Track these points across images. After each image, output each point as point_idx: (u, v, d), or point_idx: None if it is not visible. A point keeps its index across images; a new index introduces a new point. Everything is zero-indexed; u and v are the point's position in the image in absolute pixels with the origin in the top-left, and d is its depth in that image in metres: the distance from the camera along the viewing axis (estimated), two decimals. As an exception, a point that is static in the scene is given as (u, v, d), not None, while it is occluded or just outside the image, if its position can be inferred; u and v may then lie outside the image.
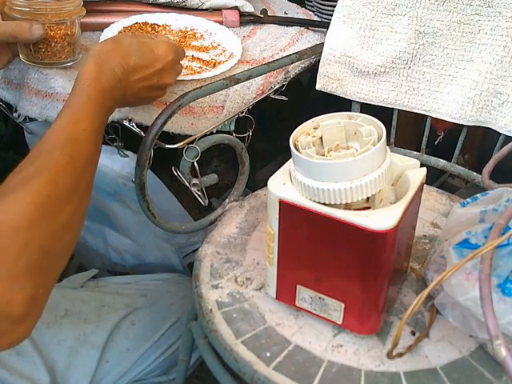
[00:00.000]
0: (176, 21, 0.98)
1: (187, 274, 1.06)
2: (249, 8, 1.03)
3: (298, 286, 0.59)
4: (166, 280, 0.99)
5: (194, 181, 0.73)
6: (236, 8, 1.02)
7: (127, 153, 0.89)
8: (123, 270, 1.12)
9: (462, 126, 0.82)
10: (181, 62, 0.76)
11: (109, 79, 0.62)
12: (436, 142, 0.87)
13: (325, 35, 0.87)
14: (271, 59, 0.85)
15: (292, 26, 1.02)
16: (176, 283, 0.98)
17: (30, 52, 0.76)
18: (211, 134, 0.77)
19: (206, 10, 1.02)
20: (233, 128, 0.82)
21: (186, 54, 0.91)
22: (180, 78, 0.82)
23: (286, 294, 0.61)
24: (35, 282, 0.47)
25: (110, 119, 0.79)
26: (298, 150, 0.54)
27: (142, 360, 0.86)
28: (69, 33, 0.76)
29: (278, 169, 0.58)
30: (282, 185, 0.55)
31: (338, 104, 0.89)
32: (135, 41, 0.68)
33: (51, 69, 0.79)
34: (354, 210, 0.54)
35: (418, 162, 0.59)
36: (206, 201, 0.75)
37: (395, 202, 0.55)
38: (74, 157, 0.53)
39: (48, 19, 0.73)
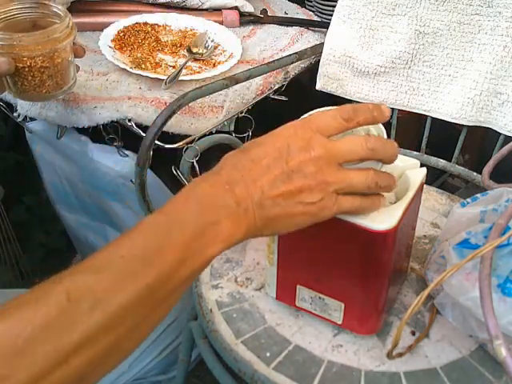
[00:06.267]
0: (176, 21, 0.98)
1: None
2: (249, 8, 1.03)
3: (298, 286, 0.59)
4: None
5: (194, 181, 0.73)
6: (236, 8, 1.02)
7: (127, 153, 0.89)
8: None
9: (462, 125, 0.82)
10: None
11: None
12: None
13: (325, 35, 0.87)
14: (271, 59, 0.85)
15: (292, 26, 1.02)
16: None
17: (8, 85, 0.69)
18: (211, 134, 0.77)
19: (206, 9, 1.02)
20: (232, 128, 0.82)
21: (186, 53, 0.91)
22: (180, 78, 0.82)
23: (286, 294, 0.61)
24: None
25: (109, 119, 0.80)
26: None
27: (140, 359, 0.85)
28: (47, 65, 0.67)
29: (277, 169, 0.58)
30: (282, 185, 0.55)
31: (338, 104, 0.89)
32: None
33: (35, 101, 0.74)
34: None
35: (418, 162, 0.59)
36: (206, 201, 0.75)
37: (395, 202, 0.55)
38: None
39: (17, 52, 0.65)
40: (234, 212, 0.44)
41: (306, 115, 0.50)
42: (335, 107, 0.48)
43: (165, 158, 0.81)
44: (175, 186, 0.91)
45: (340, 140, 0.47)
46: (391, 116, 0.87)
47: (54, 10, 0.68)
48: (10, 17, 0.68)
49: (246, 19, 1.02)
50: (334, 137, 0.48)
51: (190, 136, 0.76)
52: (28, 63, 0.66)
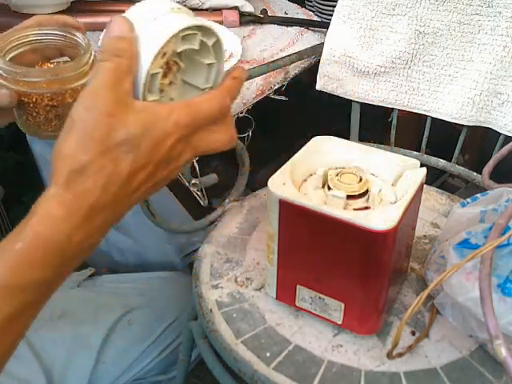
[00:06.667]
0: (176, 21, 0.98)
1: (188, 274, 1.06)
2: (249, 8, 1.03)
3: (298, 286, 0.59)
4: (163, 278, 0.99)
5: (194, 181, 0.73)
6: (236, 8, 1.02)
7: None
8: (125, 268, 1.12)
9: (462, 125, 0.82)
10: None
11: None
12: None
13: (325, 35, 0.87)
14: (271, 59, 0.85)
15: (292, 25, 1.02)
16: (173, 282, 0.97)
17: (15, 118, 0.63)
18: (211, 133, 0.77)
19: (206, 10, 1.02)
20: (232, 128, 0.82)
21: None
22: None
23: (286, 294, 0.61)
24: None
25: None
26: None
27: (139, 360, 0.85)
28: (56, 104, 0.60)
29: (277, 169, 0.58)
30: (282, 185, 0.55)
31: (338, 104, 0.89)
32: (125, 131, 0.39)
33: (40, 138, 0.65)
34: (354, 210, 0.54)
35: (418, 162, 0.59)
36: (206, 201, 0.75)
37: (395, 202, 0.55)
38: None
39: (20, 87, 0.58)
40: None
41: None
42: (218, 100, 0.44)
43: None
44: (175, 186, 0.91)
45: (210, 142, 0.44)
46: (391, 116, 0.87)
47: (78, 40, 0.62)
48: (34, 41, 0.62)
49: (246, 19, 1.02)
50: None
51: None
52: (34, 99, 0.60)
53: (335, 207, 0.53)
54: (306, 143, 0.62)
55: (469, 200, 0.61)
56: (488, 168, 0.68)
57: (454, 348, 0.58)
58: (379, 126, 1.26)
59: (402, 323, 0.47)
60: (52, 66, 0.64)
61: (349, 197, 0.54)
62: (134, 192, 0.41)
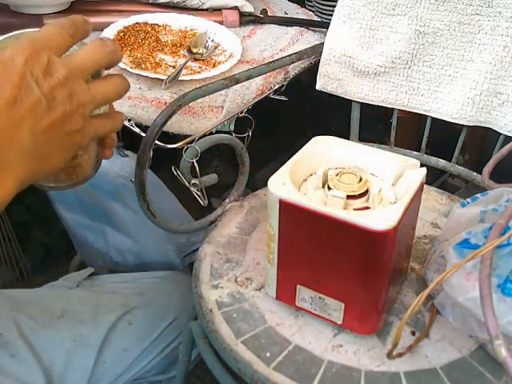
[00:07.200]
0: (176, 21, 0.98)
1: (188, 274, 1.06)
2: (249, 8, 1.03)
3: (298, 286, 0.59)
4: (163, 278, 0.99)
5: (194, 181, 0.73)
6: (236, 8, 1.02)
7: (127, 153, 0.89)
8: (124, 269, 1.12)
9: (462, 125, 0.82)
10: (177, 61, 0.72)
11: None
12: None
13: (325, 35, 0.87)
14: (271, 59, 0.85)
15: (292, 25, 1.02)
16: (173, 281, 0.97)
17: None
18: (211, 134, 0.77)
19: (206, 10, 1.02)
20: (232, 128, 0.82)
21: (186, 53, 0.91)
22: (180, 78, 0.82)
23: (286, 294, 0.61)
24: None
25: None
26: None
27: (139, 359, 0.85)
28: None
29: (277, 169, 0.58)
30: (282, 185, 0.55)
31: (338, 104, 0.89)
32: None
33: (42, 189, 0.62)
34: (354, 210, 0.54)
35: (418, 162, 0.59)
36: (206, 201, 0.75)
37: (395, 202, 0.55)
38: None
39: None
40: None
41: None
42: (54, 24, 0.45)
43: (165, 158, 0.81)
44: (175, 186, 0.91)
45: (77, 53, 0.45)
46: (391, 116, 0.87)
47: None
48: None
49: (246, 19, 1.02)
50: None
51: (189, 136, 0.76)
52: None
53: (335, 207, 0.53)
54: (306, 143, 0.62)
55: (469, 200, 0.61)
56: (488, 168, 0.68)
57: (454, 348, 0.58)
58: (379, 125, 1.26)
59: (401, 323, 0.47)
60: None
61: (349, 197, 0.54)
62: (21, 111, 0.41)
